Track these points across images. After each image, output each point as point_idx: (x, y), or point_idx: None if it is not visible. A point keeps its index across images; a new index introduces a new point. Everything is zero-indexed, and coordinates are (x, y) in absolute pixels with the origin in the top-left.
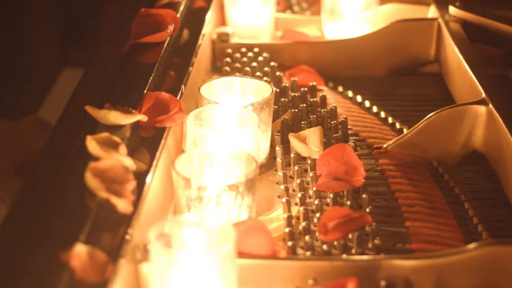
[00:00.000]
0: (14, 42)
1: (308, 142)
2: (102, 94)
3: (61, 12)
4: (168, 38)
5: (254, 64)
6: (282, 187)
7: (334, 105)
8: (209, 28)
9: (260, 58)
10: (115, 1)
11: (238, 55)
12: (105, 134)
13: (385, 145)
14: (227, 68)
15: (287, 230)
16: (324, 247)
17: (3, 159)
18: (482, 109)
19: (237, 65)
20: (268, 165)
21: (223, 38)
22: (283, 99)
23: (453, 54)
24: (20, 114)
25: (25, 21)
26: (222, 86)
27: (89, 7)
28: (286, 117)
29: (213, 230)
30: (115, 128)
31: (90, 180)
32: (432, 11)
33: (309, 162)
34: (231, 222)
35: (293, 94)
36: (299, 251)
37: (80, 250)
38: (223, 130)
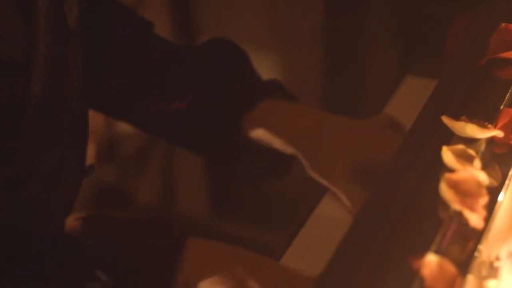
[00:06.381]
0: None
1: None
2: (456, 105)
3: (404, 19)
4: None
5: None
6: None
7: None
8: None
9: None
10: (468, 13)
11: None
12: (460, 146)
13: None
14: None
15: None
16: None
17: (343, 162)
18: None
19: None
20: None
21: None
22: None
23: None
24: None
25: (366, 29)
26: None
27: (435, 16)
28: None
29: None
30: (469, 141)
31: (445, 191)
32: None
33: None
34: None
35: None
36: None
37: (431, 260)
38: None
